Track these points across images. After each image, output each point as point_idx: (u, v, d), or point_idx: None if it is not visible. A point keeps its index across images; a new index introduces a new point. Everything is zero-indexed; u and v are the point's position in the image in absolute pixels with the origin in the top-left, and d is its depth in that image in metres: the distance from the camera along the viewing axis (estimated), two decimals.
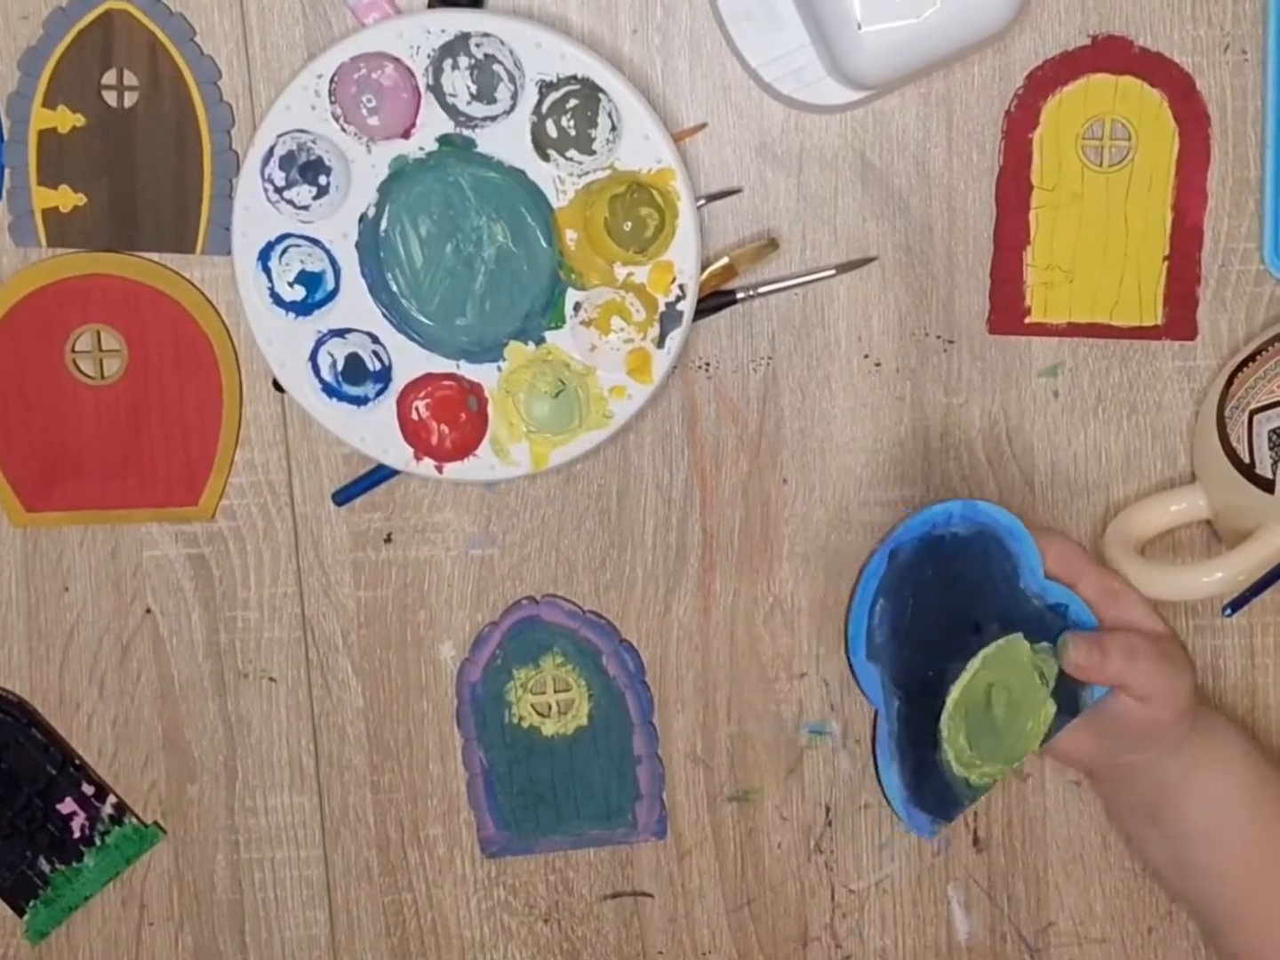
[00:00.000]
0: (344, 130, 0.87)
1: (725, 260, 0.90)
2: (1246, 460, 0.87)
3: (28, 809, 0.95)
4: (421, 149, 0.87)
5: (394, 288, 0.89)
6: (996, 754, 0.86)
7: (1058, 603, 0.85)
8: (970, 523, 0.84)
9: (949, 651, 0.84)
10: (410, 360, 0.89)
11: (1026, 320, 0.92)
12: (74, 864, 0.96)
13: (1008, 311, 0.92)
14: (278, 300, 0.89)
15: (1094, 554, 0.93)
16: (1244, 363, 0.89)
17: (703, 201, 0.90)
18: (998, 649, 0.84)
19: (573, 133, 0.86)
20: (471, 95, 0.86)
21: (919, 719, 0.83)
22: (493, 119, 0.87)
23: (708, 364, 0.93)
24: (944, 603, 0.83)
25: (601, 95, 0.86)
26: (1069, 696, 0.86)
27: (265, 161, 0.87)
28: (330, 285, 0.89)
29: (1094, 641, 0.85)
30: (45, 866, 0.96)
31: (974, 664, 0.84)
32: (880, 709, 0.85)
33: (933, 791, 0.85)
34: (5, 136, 0.89)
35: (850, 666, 0.83)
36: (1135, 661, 0.85)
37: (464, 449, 0.90)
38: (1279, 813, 0.89)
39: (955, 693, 0.84)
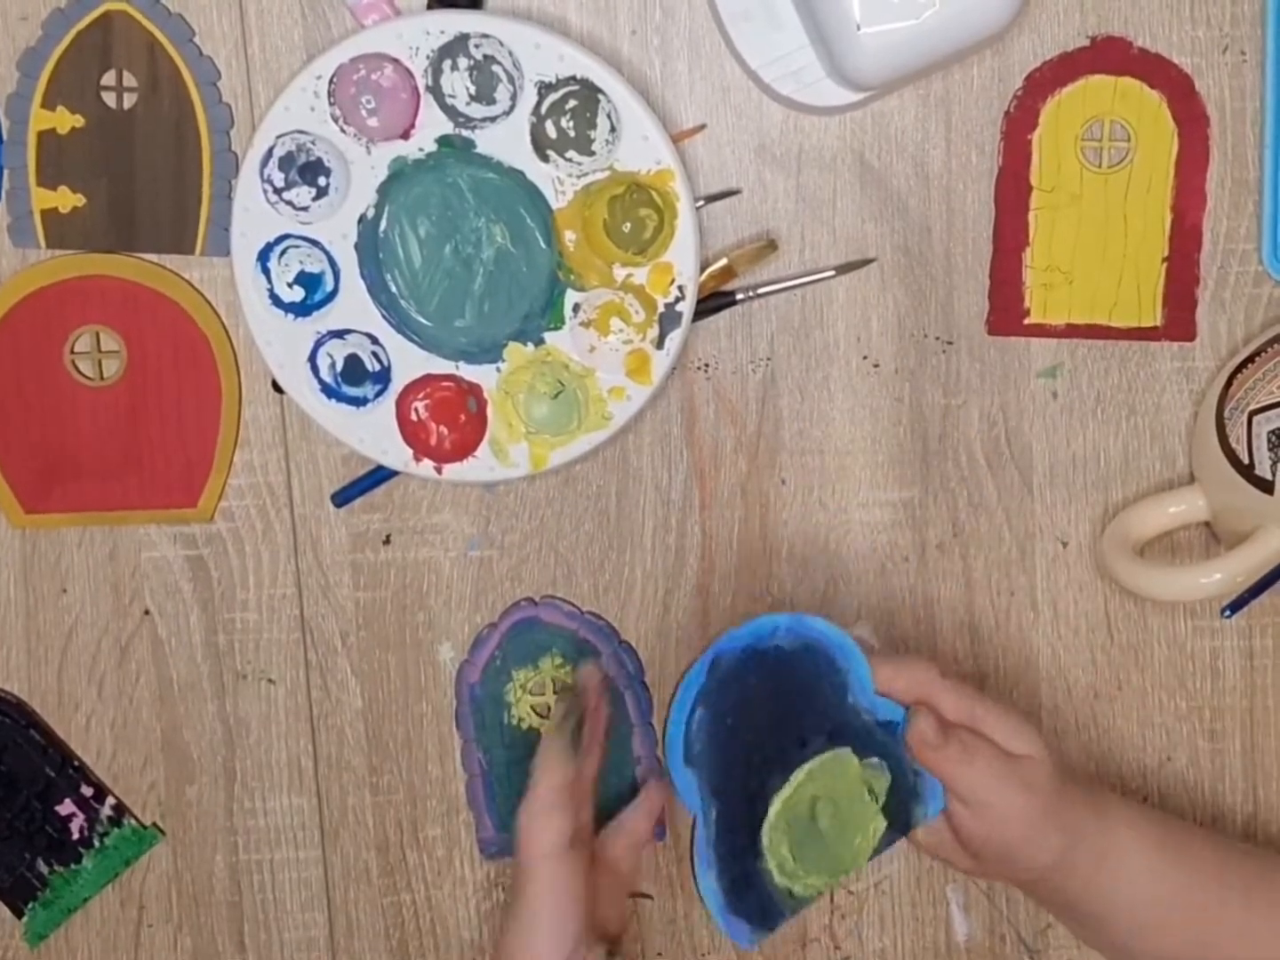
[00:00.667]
0: (343, 131, 0.87)
1: (724, 261, 0.90)
2: (1245, 461, 0.87)
3: (26, 810, 0.95)
4: (421, 150, 0.87)
5: (393, 289, 0.89)
6: (822, 866, 0.84)
7: (889, 719, 0.83)
8: (797, 637, 0.82)
9: (772, 763, 0.82)
10: (409, 361, 0.89)
11: (1025, 321, 0.92)
12: (73, 865, 0.96)
13: (1007, 312, 0.92)
14: (277, 301, 0.89)
15: (1094, 556, 0.94)
16: (1243, 364, 0.89)
17: (702, 203, 0.90)
18: (823, 763, 0.83)
19: (572, 134, 0.86)
20: (470, 96, 0.86)
21: (739, 828, 0.82)
22: (492, 120, 0.87)
23: (707, 365, 0.93)
24: (768, 714, 0.82)
25: (600, 96, 0.86)
26: (900, 812, 0.84)
27: (264, 162, 0.87)
28: (329, 286, 0.89)
29: (942, 724, 0.83)
30: (44, 868, 0.95)
31: (798, 776, 0.82)
32: (698, 815, 0.82)
33: (754, 900, 0.83)
34: (4, 137, 0.89)
35: (667, 770, 0.81)
36: (971, 761, 0.83)
37: (463, 450, 0.90)
38: (1203, 888, 0.87)
39: (777, 804, 0.82)
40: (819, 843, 0.83)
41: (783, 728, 0.82)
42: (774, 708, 0.82)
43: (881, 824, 0.84)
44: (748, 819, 0.81)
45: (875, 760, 0.84)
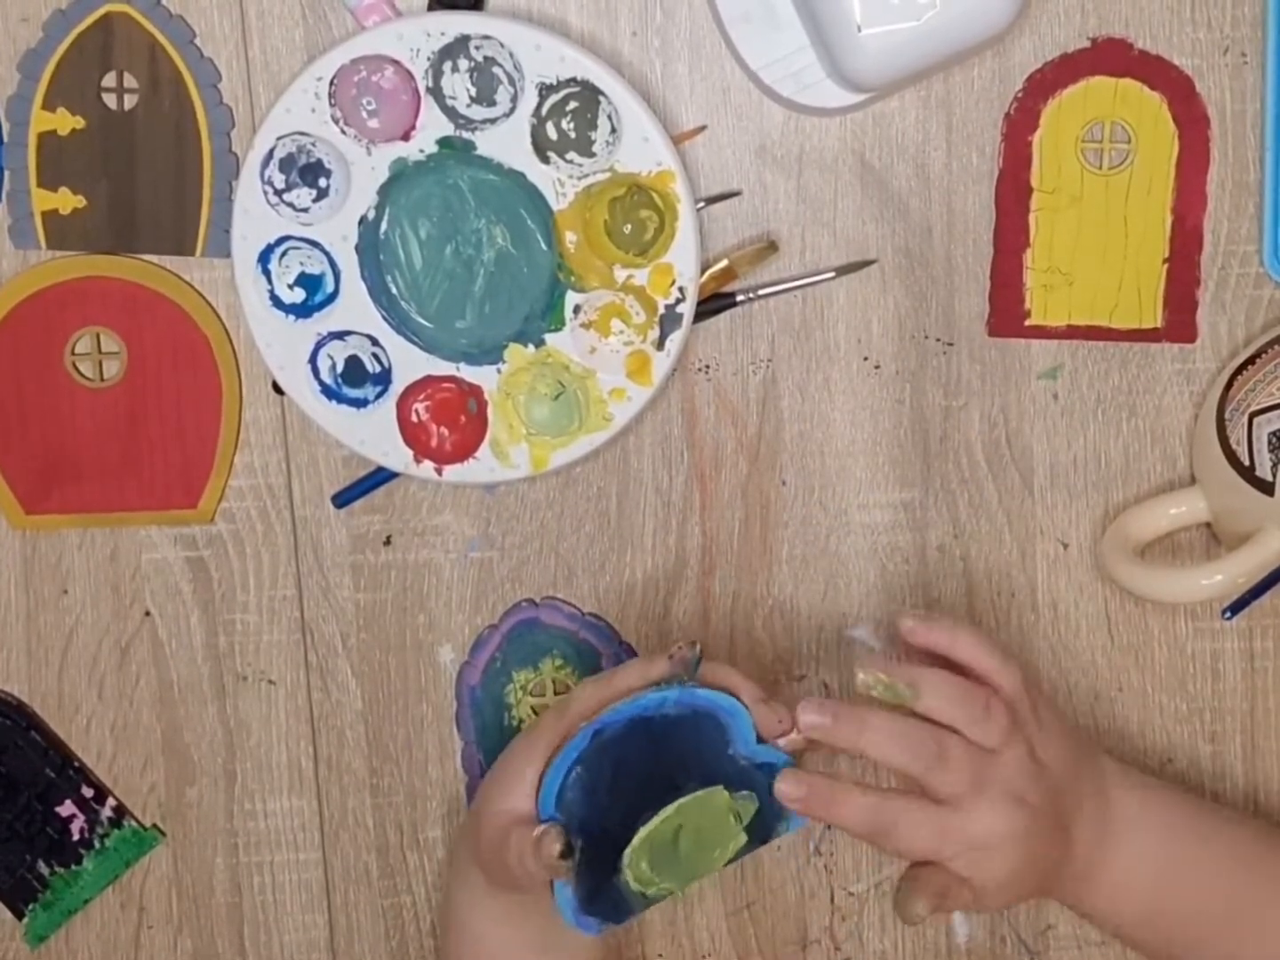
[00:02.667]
0: (344, 133, 0.87)
1: (725, 263, 0.90)
2: (1246, 463, 0.87)
3: (27, 812, 0.95)
4: (421, 151, 0.87)
5: (394, 290, 0.89)
6: (677, 874, 0.84)
7: (765, 762, 0.83)
8: (684, 705, 0.82)
9: (646, 808, 0.82)
10: (410, 363, 0.89)
11: (1026, 323, 0.92)
12: (73, 867, 0.96)
13: (1007, 314, 0.92)
14: (277, 303, 0.89)
15: (1094, 557, 0.94)
16: (1243, 365, 0.89)
17: (702, 204, 0.90)
18: (694, 799, 0.83)
19: (572, 135, 0.86)
20: (471, 98, 0.86)
21: (602, 854, 0.82)
22: (492, 121, 0.87)
23: (707, 366, 0.92)
24: (645, 771, 0.82)
25: (601, 98, 0.86)
26: (762, 828, 0.84)
27: (265, 164, 0.87)
28: (330, 288, 0.89)
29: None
30: (44, 869, 0.95)
31: (666, 811, 0.82)
32: None
33: (607, 901, 0.83)
34: (5, 139, 0.89)
35: (537, 816, 0.82)
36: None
37: (463, 451, 0.90)
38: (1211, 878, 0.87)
39: (642, 833, 0.82)
40: (675, 861, 0.83)
41: (658, 781, 0.82)
42: (653, 766, 0.82)
43: (742, 839, 0.84)
44: (610, 847, 0.82)
45: (745, 793, 0.84)
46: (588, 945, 0.85)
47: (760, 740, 0.83)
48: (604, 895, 0.83)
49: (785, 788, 0.81)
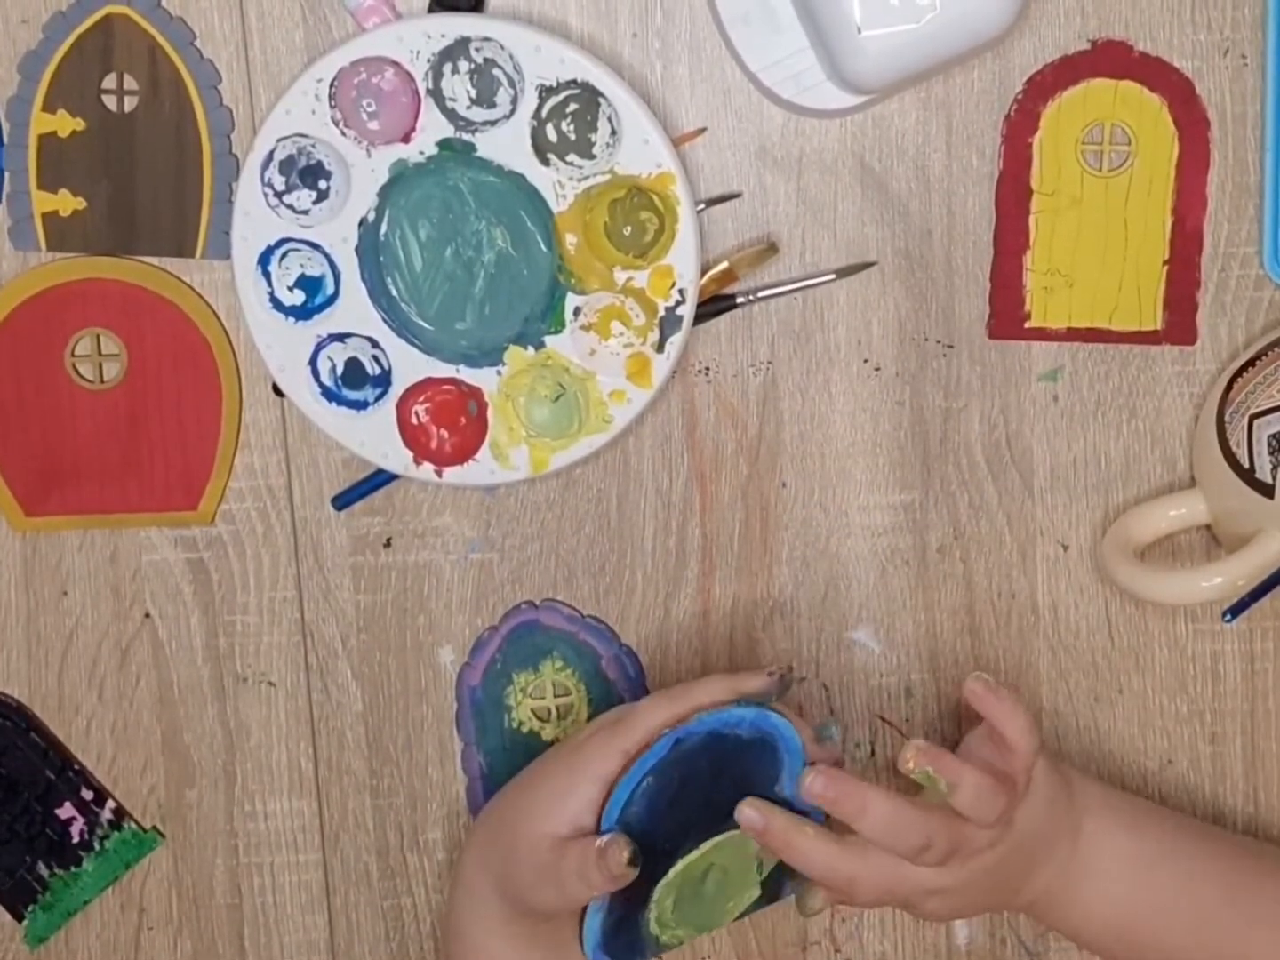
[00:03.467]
0: (344, 134, 0.87)
1: (725, 265, 0.90)
2: (1246, 465, 0.87)
3: (26, 814, 0.95)
4: (421, 153, 0.87)
5: (394, 292, 0.89)
6: (692, 921, 0.85)
7: (805, 809, 0.83)
8: (756, 729, 0.83)
9: (693, 832, 0.83)
10: (410, 364, 0.89)
11: (1026, 325, 0.92)
12: (73, 869, 0.96)
13: (1007, 316, 0.92)
14: (277, 304, 0.89)
15: (1094, 559, 0.94)
16: (1243, 367, 0.89)
17: (702, 206, 0.90)
18: (730, 837, 0.83)
19: (572, 137, 0.86)
20: (471, 99, 0.86)
21: (641, 880, 0.82)
22: (492, 123, 0.87)
23: (707, 368, 0.92)
24: (706, 792, 0.82)
25: (601, 99, 0.86)
26: (773, 885, 0.86)
27: (265, 166, 0.87)
28: (330, 290, 0.89)
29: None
30: (44, 871, 0.95)
31: (706, 845, 0.83)
32: None
33: (625, 941, 0.84)
34: (5, 140, 0.89)
35: (600, 826, 0.82)
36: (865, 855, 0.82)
37: (463, 453, 0.90)
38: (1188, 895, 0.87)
39: (680, 866, 0.83)
40: (699, 902, 0.84)
41: (714, 805, 0.83)
42: (713, 787, 0.82)
43: (756, 893, 0.86)
44: (649, 875, 0.82)
45: None
46: None
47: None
48: (625, 932, 0.83)
49: (813, 784, 0.80)
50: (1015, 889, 0.86)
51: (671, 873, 0.83)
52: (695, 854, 0.83)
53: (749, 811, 0.81)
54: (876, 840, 0.81)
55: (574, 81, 0.86)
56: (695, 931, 0.86)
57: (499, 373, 0.89)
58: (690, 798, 0.82)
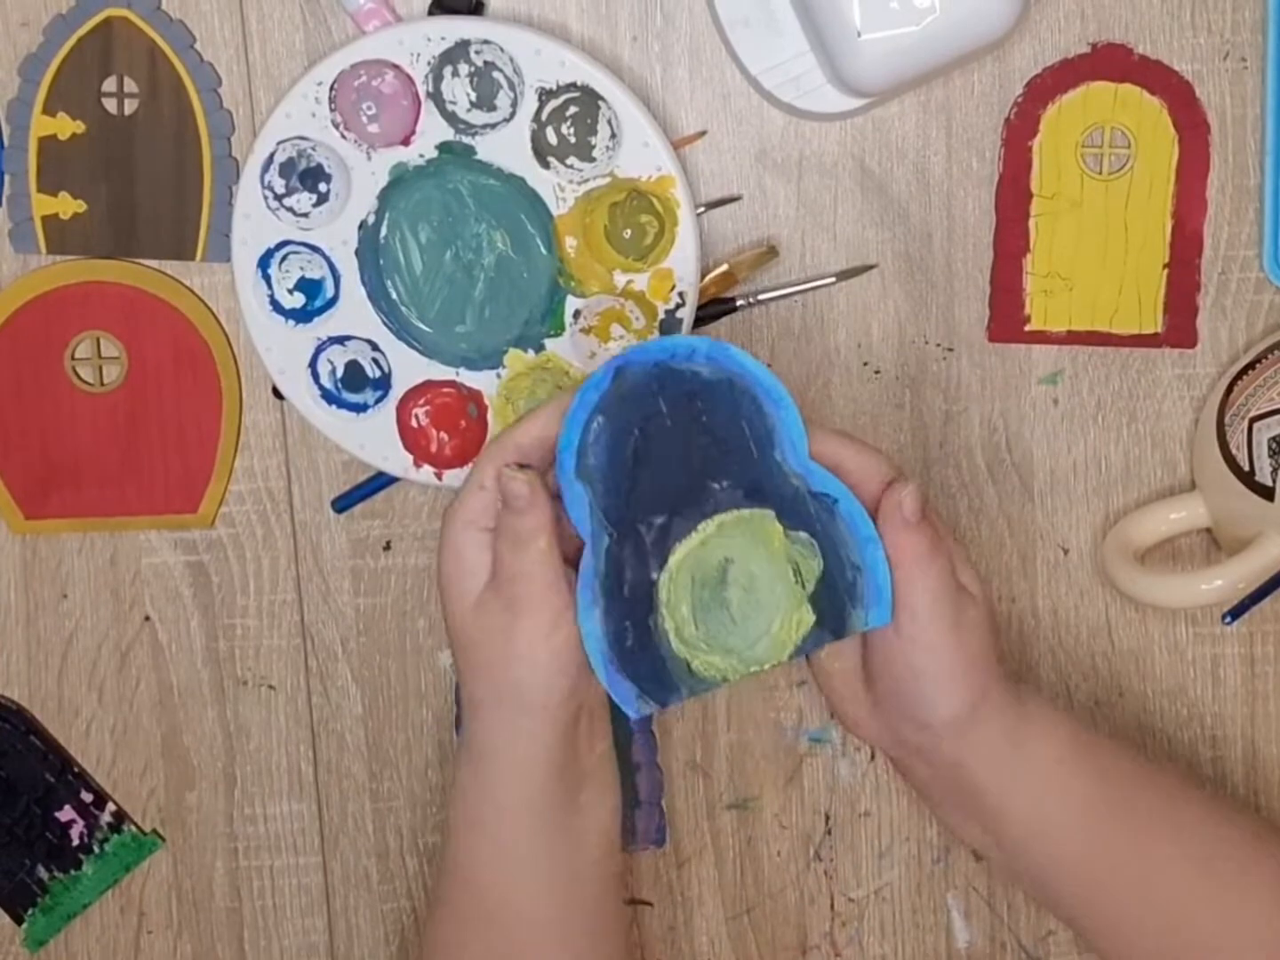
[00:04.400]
0: (344, 137, 0.87)
1: (725, 267, 0.90)
2: (1246, 468, 0.87)
3: (26, 817, 0.95)
4: (421, 156, 0.87)
5: (394, 295, 0.89)
6: (729, 646, 0.76)
7: (824, 493, 0.75)
8: (717, 367, 0.75)
9: (679, 502, 0.74)
10: (410, 367, 0.89)
11: (1026, 328, 0.92)
12: (72, 872, 0.96)
13: (1007, 319, 0.92)
14: (277, 307, 0.89)
15: (1095, 562, 0.94)
16: (1244, 370, 0.89)
17: (702, 209, 0.90)
18: (740, 519, 0.74)
19: (572, 140, 0.86)
20: (471, 102, 0.86)
21: (634, 568, 0.74)
22: (492, 126, 0.87)
23: None
24: (678, 445, 0.74)
25: (601, 102, 0.86)
26: (831, 610, 0.75)
27: (265, 168, 0.87)
28: (330, 292, 0.89)
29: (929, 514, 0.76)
30: (44, 874, 0.95)
31: (707, 526, 0.74)
32: (587, 542, 0.75)
33: (646, 662, 0.74)
34: (5, 143, 0.89)
35: (558, 487, 0.74)
36: (934, 560, 0.77)
37: (463, 456, 0.90)
38: (1119, 802, 0.83)
39: (680, 552, 0.74)
40: (725, 613, 0.75)
41: (698, 467, 0.74)
42: (689, 442, 0.74)
43: (808, 617, 0.75)
44: (644, 561, 0.74)
45: (804, 536, 0.75)
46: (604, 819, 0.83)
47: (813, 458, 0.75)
48: (640, 651, 0.74)
49: (909, 498, 0.76)
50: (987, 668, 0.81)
51: (672, 561, 0.74)
52: (695, 537, 0.74)
53: (908, 498, 0.76)
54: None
55: (574, 84, 0.86)
56: (738, 663, 0.75)
57: (499, 375, 0.89)
58: (661, 457, 0.75)
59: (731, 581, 0.75)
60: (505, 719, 0.80)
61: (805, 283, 0.91)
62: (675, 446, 0.75)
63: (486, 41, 0.85)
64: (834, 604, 0.76)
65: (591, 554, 0.75)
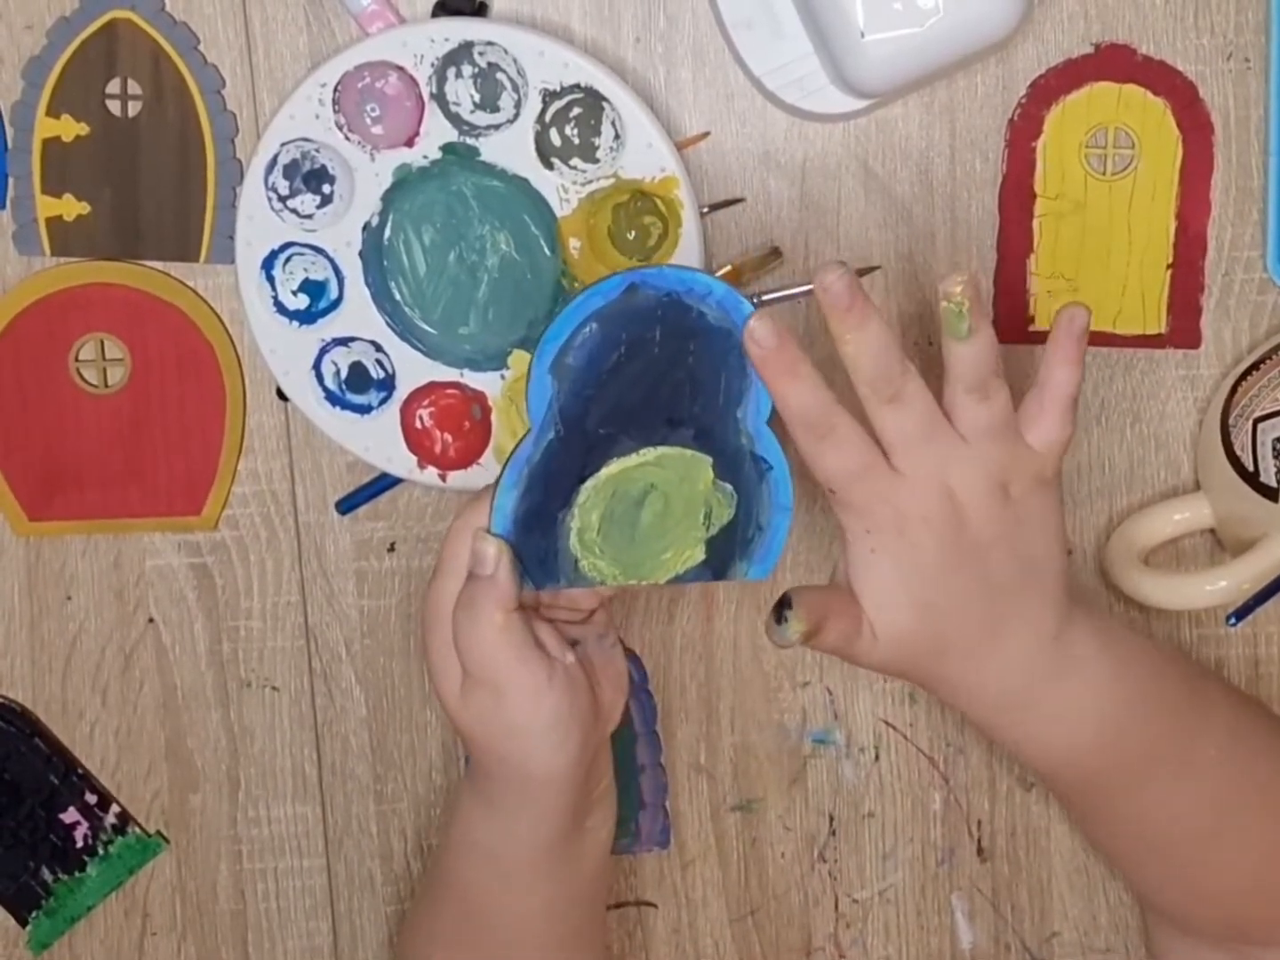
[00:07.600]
0: (348, 139, 0.87)
1: (728, 269, 0.90)
2: (1250, 469, 0.87)
3: (30, 819, 0.95)
4: (425, 157, 0.87)
5: (397, 296, 0.89)
6: (619, 558, 0.78)
7: (763, 457, 0.78)
8: (723, 315, 0.76)
9: (632, 424, 0.77)
10: (414, 369, 0.89)
11: (1030, 329, 0.92)
12: (76, 874, 0.96)
13: (1011, 320, 0.92)
14: (281, 309, 0.89)
15: (1098, 564, 0.93)
16: (1247, 371, 0.89)
17: (706, 210, 0.90)
18: (680, 456, 0.77)
19: (576, 141, 0.87)
20: (475, 104, 0.86)
21: (564, 466, 0.76)
22: (496, 128, 0.87)
23: None
24: (656, 376, 0.76)
25: (605, 104, 0.86)
26: (722, 557, 0.78)
27: (269, 170, 0.87)
28: (334, 294, 0.89)
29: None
30: (48, 876, 0.95)
31: (648, 452, 0.77)
32: (534, 429, 0.77)
33: (540, 548, 0.77)
34: (9, 145, 0.90)
35: (529, 372, 0.76)
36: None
37: (468, 457, 0.90)
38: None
39: (615, 467, 0.76)
40: (629, 531, 0.78)
41: (661, 396, 0.77)
42: (665, 371, 0.76)
43: (699, 555, 0.78)
44: (576, 463, 0.77)
45: (729, 488, 0.79)
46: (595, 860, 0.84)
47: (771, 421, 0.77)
48: (537, 535, 0.77)
49: (758, 326, 0.75)
50: (971, 644, 0.78)
51: (604, 472, 0.77)
52: (633, 459, 0.77)
53: (759, 326, 0.75)
54: (858, 356, 0.76)
55: (577, 86, 0.86)
56: (620, 573, 0.79)
57: (503, 377, 0.89)
58: (635, 379, 0.76)
59: (648, 505, 0.78)
60: (515, 787, 0.80)
61: (809, 284, 0.91)
62: (652, 374, 0.77)
63: (490, 43, 0.85)
64: (726, 551, 0.79)
65: (532, 443, 0.78)
